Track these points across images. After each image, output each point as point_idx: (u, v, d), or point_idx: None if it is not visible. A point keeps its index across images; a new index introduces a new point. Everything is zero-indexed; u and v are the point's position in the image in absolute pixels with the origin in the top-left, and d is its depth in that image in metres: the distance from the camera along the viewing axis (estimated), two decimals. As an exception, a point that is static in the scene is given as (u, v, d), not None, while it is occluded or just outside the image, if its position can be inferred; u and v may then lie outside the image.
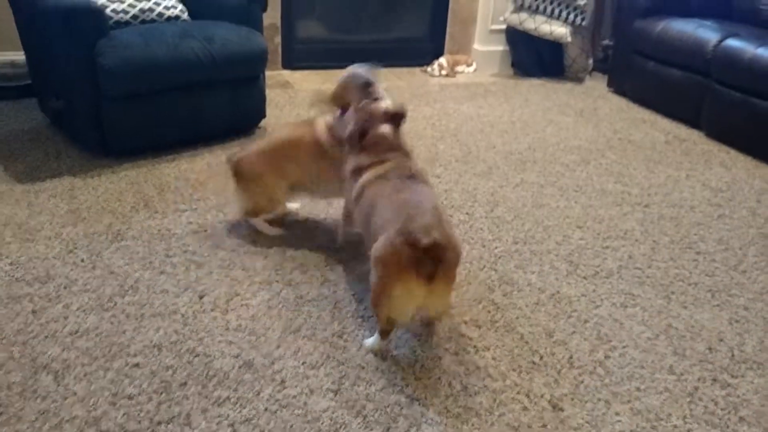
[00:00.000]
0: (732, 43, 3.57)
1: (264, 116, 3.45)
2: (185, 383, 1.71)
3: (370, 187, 1.97)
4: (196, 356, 1.81)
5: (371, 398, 1.69)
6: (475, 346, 1.92)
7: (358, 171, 2.03)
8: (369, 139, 2.05)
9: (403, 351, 1.88)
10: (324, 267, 2.26)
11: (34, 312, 1.96)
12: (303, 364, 1.80)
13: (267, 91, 3.51)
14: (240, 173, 2.39)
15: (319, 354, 1.84)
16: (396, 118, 2.10)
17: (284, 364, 1.79)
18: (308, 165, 2.36)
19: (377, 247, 1.75)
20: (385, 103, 2.14)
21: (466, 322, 2.03)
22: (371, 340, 1.87)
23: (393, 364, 1.82)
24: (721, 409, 1.74)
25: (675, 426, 1.67)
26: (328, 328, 1.95)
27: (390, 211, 1.83)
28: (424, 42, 5.06)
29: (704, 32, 3.77)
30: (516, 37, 4.84)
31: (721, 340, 2.02)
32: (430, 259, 1.66)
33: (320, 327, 1.95)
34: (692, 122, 3.88)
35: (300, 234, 2.47)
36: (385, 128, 2.06)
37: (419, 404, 1.69)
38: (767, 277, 2.37)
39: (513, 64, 5.02)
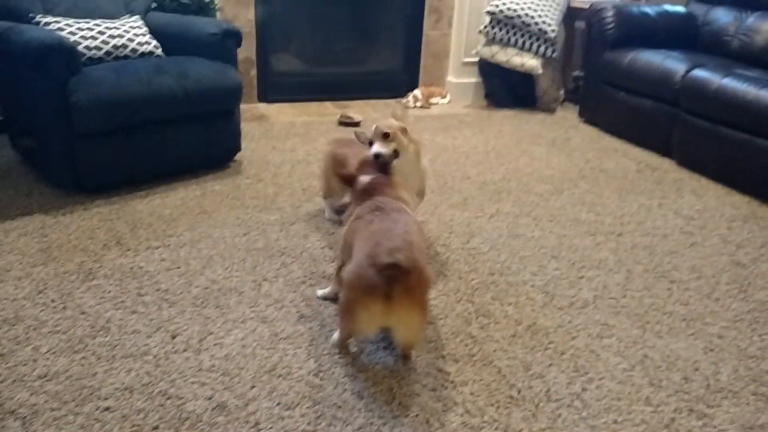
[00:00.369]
0: (699, 73, 3.67)
1: (239, 150, 3.45)
2: (157, 427, 1.67)
3: (349, 230, 2.05)
4: (168, 398, 1.77)
5: (349, 438, 1.67)
6: (452, 381, 1.91)
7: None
8: (358, 188, 2.19)
9: (380, 388, 1.85)
10: (300, 302, 2.24)
11: (1, 355, 1.91)
12: (278, 404, 1.77)
13: (242, 125, 3.52)
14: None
15: (294, 394, 1.81)
16: (377, 161, 2.28)
17: (258, 405, 1.76)
18: None
19: (346, 271, 1.87)
20: (374, 149, 2.30)
21: (443, 357, 2.02)
22: (335, 336, 2.03)
23: (371, 401, 1.80)
24: (696, 440, 1.74)
25: (653, 459, 1.67)
26: (304, 366, 1.92)
27: (362, 242, 1.90)
28: (398, 74, 5.12)
29: (672, 63, 3.86)
30: (488, 70, 4.92)
31: (697, 369, 2.03)
32: (392, 279, 1.74)
33: (296, 365, 1.93)
34: (663, 151, 3.96)
35: (277, 269, 2.45)
36: (364, 177, 2.20)
37: (397, 443, 1.67)
38: (740, 305, 2.40)
39: (486, 96, 5.09)
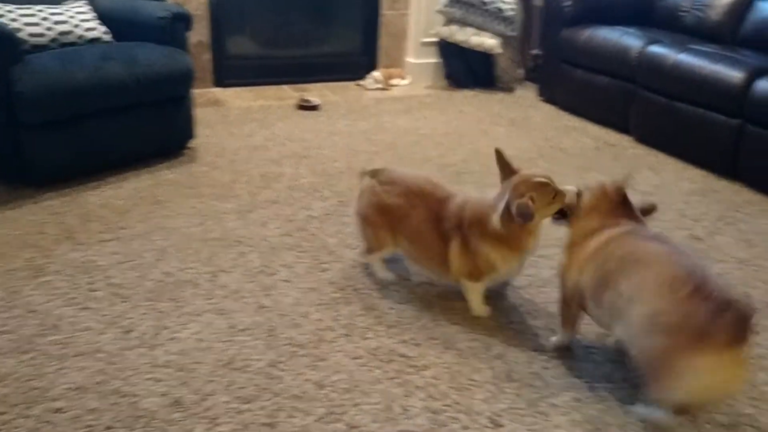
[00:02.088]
0: (655, 49, 3.69)
1: (193, 137, 3.36)
2: (110, 427, 1.62)
3: (600, 254, 1.79)
4: (122, 396, 1.72)
5: (309, 430, 1.64)
6: (414, 366, 1.90)
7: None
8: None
9: (341, 377, 1.83)
10: (258, 293, 2.20)
11: (-56, 359, 1.83)
12: (236, 398, 1.73)
13: (197, 111, 3.43)
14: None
15: (253, 386, 1.77)
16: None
17: (216, 400, 1.72)
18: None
19: (657, 313, 1.54)
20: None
21: (405, 341, 2.00)
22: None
23: (331, 390, 1.78)
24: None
25: (616, 435, 1.68)
26: (262, 358, 1.89)
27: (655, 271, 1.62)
28: (357, 56, 5.05)
29: (628, 39, 3.88)
30: (447, 50, 4.89)
31: (655, 343, 2.06)
32: (742, 322, 1.43)
33: (254, 357, 1.89)
34: (621, 128, 3.99)
35: (234, 259, 2.40)
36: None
37: None
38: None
39: (446, 76, 5.06)
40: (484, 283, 2.12)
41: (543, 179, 1.98)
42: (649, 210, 1.93)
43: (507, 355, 1.96)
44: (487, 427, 1.68)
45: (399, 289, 2.27)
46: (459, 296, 2.24)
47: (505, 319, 2.14)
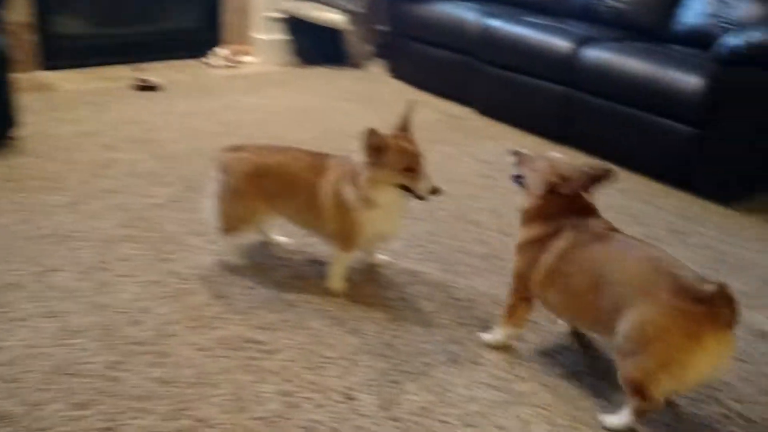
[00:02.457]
0: (491, 22, 3.84)
1: (14, 124, 3.04)
2: None
3: (566, 261, 1.74)
4: (-66, 419, 1.54)
5: (152, 430, 1.56)
6: (266, 351, 1.86)
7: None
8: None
9: (186, 371, 1.76)
10: (93, 290, 2.05)
11: None
12: (71, 405, 1.60)
13: (21, 97, 3.10)
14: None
15: (89, 391, 1.65)
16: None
17: (48, 410, 1.58)
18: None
19: (643, 319, 1.54)
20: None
21: (256, 327, 1.96)
22: (614, 420, 1.65)
23: (176, 386, 1.70)
24: (501, 370, 1.86)
25: (461, 395, 1.75)
26: (99, 360, 1.76)
27: (631, 275, 1.62)
28: (199, 32, 4.83)
29: (466, 13, 4.01)
30: (295, 25, 4.80)
31: (497, 303, 2.15)
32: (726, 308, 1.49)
33: (90, 360, 1.76)
34: (464, 101, 4.13)
35: (64, 256, 2.22)
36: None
37: (206, 425, 1.59)
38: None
39: (296, 53, 4.98)
40: (353, 255, 2.14)
41: (408, 146, 2.02)
42: (602, 176, 1.80)
43: (360, 329, 1.98)
44: (340, 402, 1.69)
45: (249, 274, 2.22)
46: (311, 275, 2.23)
47: (357, 293, 2.16)
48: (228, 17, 4.84)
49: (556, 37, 3.49)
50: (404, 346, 1.92)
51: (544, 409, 1.72)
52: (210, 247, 2.33)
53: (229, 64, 4.65)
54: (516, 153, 1.98)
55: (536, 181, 1.85)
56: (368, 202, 1.99)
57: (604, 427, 1.66)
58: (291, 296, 2.11)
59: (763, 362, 1.96)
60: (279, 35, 4.92)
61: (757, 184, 3.15)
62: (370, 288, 2.19)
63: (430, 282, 2.25)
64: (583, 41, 3.42)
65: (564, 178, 1.78)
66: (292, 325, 1.98)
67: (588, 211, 1.81)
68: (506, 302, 1.92)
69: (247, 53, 4.81)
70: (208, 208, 2.23)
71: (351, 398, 1.71)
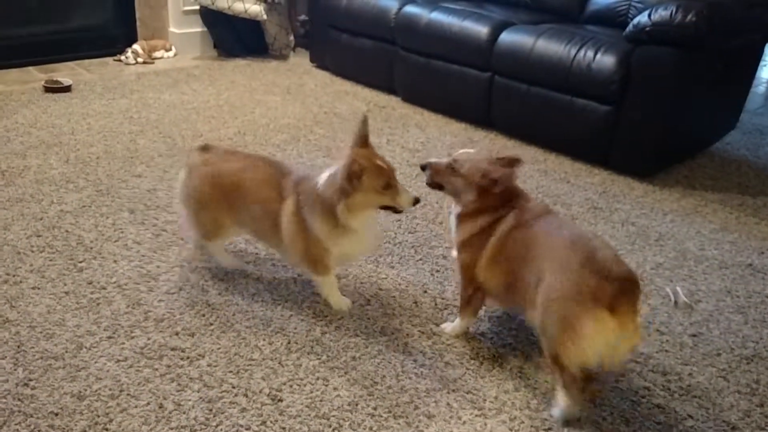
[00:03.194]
0: (409, 9, 3.83)
1: None
2: None
3: (507, 243, 1.77)
4: None
5: (67, 448, 1.49)
6: (188, 357, 1.80)
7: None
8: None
9: (105, 384, 1.68)
10: (2, 306, 1.94)
11: None
12: (-23, 430, 1.52)
13: None
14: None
15: (1, 411, 1.56)
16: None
17: (-50, 438, 1.50)
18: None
19: (549, 287, 1.59)
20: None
21: (177, 333, 1.89)
22: (556, 407, 1.67)
23: (94, 400, 1.63)
24: (429, 359, 1.86)
25: (389, 386, 1.74)
26: (10, 378, 1.67)
27: (557, 252, 1.65)
28: (112, 29, 4.63)
29: (385, 1, 3.98)
30: (212, 18, 4.67)
31: (426, 291, 2.17)
32: (625, 290, 1.53)
33: (1, 378, 1.67)
34: (389, 89, 4.12)
35: (-31, 271, 2.09)
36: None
37: (126, 439, 1.53)
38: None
39: (215, 46, 4.85)
40: (330, 274, 2.01)
41: (382, 164, 1.87)
42: (514, 164, 1.86)
43: (287, 328, 1.95)
44: (267, 404, 1.66)
45: (169, 278, 2.15)
46: (235, 276, 2.17)
47: (285, 291, 2.12)
48: (142, 12, 4.66)
49: (474, 22, 3.51)
50: (333, 342, 1.90)
51: (471, 394, 1.73)
52: (126, 252, 2.25)
53: (145, 60, 4.48)
54: (426, 167, 1.93)
55: (465, 188, 1.85)
56: (342, 230, 1.87)
57: (555, 420, 1.68)
58: (214, 299, 2.06)
59: (681, 333, 2.03)
60: (196, 28, 4.79)
61: (671, 159, 3.27)
62: (296, 285, 2.16)
63: (357, 275, 2.23)
64: (501, 26, 3.45)
65: (491, 179, 1.79)
66: (215, 328, 1.92)
67: (520, 196, 1.84)
68: (461, 295, 1.93)
69: (163, 48, 4.65)
70: (180, 212, 2.12)
71: (278, 399, 1.67)
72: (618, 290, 1.52)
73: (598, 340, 1.53)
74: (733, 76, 3.31)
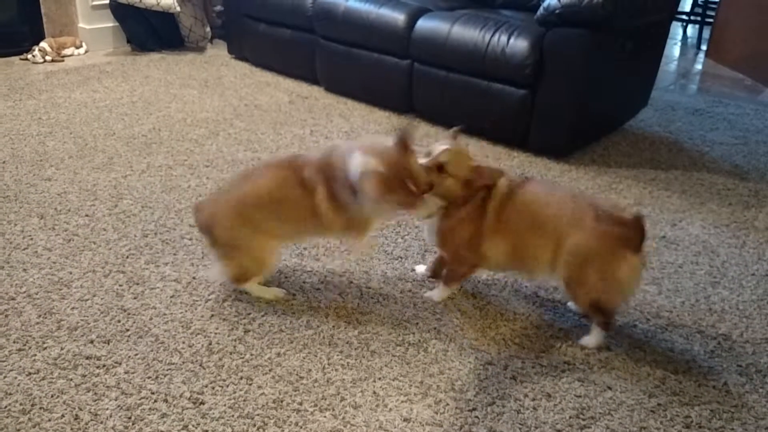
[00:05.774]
0: (326, -3, 3.78)
1: None
2: None
3: (502, 210, 1.90)
4: None
5: (-29, 472, 1.41)
6: (104, 365, 1.73)
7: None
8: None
9: (16, 398, 1.60)
10: None
11: None
12: None
13: None
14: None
15: None
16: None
17: None
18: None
19: (577, 245, 1.77)
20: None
21: (92, 341, 1.82)
22: (591, 340, 1.91)
23: (3, 417, 1.54)
24: (355, 349, 1.85)
25: (315, 380, 1.72)
26: None
27: (561, 209, 1.84)
28: (16, 27, 4.39)
29: (302, -10, 3.92)
30: (123, 12, 4.49)
31: (351, 282, 2.16)
32: (640, 230, 1.74)
33: None
34: (311, 79, 4.08)
35: None
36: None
37: (36, 456, 1.46)
38: (385, 212, 2.60)
39: (129, 41, 4.67)
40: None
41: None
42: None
43: (207, 329, 1.89)
44: (187, 408, 1.61)
45: (81, 284, 2.05)
46: (151, 279, 2.10)
47: (205, 291, 2.06)
48: (48, 8, 4.44)
49: (390, 10, 3.50)
50: (256, 340, 1.86)
51: (397, 380, 1.74)
52: (35, 260, 2.14)
53: (54, 58, 4.28)
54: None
55: (454, 185, 1.88)
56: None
57: (584, 346, 1.90)
58: (130, 304, 1.98)
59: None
60: (108, 23, 4.60)
61: (587, 138, 3.36)
62: (215, 284, 2.10)
63: (282, 269, 2.20)
64: (417, 13, 3.46)
65: (480, 173, 1.89)
66: (132, 334, 1.86)
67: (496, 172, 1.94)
68: (453, 273, 2.05)
69: (73, 45, 4.45)
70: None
71: (200, 402, 1.63)
72: (634, 233, 1.74)
73: (632, 280, 1.79)
74: (642, 55, 3.42)
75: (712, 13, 5.53)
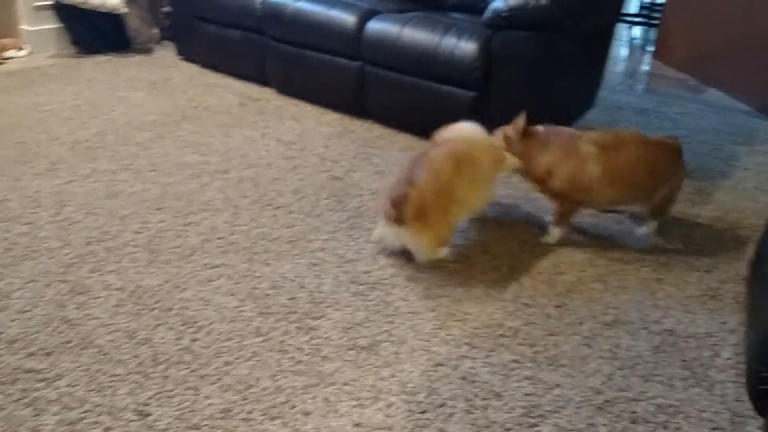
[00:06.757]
0: (274, -2, 3.74)
1: None
2: None
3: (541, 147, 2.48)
4: None
5: None
6: (45, 379, 1.68)
7: None
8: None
9: (-55, 418, 1.53)
10: None
11: None
12: None
13: None
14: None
15: None
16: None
17: None
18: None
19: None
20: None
21: (32, 354, 1.76)
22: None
23: (-68, 438, 1.48)
24: (306, 355, 1.83)
25: (265, 388, 1.70)
26: None
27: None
28: (-49, 27, 4.23)
29: (250, -9, 3.87)
30: (67, 13, 4.35)
31: (302, 286, 2.14)
32: None
33: None
34: (261, 81, 4.02)
35: None
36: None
37: (-31, 477, 1.40)
38: (338, 216, 2.59)
39: (74, 43, 4.54)
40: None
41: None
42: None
43: (153, 338, 1.85)
44: (132, 421, 1.57)
45: (22, 295, 1.98)
46: (94, 287, 2.04)
47: (150, 300, 2.02)
48: (-15, 7, 4.28)
49: (340, 11, 3.48)
50: (204, 349, 1.82)
51: (349, 385, 1.73)
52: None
53: (-7, 60, 4.13)
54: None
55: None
56: None
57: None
58: (72, 314, 1.92)
59: (546, 304, 2.12)
60: (51, 25, 4.45)
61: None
62: (164, 292, 2.06)
63: (231, 275, 2.17)
64: (367, 14, 3.44)
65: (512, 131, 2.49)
66: (74, 346, 1.80)
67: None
68: (560, 211, 2.47)
69: (14, 47, 4.30)
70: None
71: (145, 414, 1.59)
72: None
73: None
74: (589, 56, 3.49)
75: (659, 15, 5.68)
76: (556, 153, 2.39)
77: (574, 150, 2.37)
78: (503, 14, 2.86)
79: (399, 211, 2.17)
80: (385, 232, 2.25)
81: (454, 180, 2.23)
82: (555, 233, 2.50)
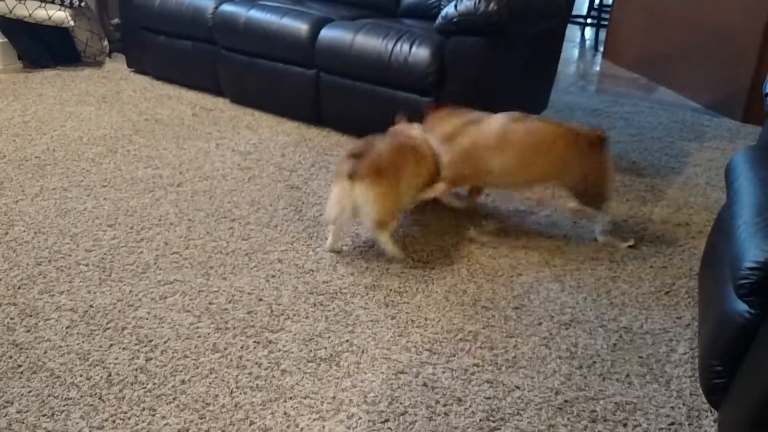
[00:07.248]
0: (226, 8, 3.69)
1: None
2: None
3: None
4: None
5: None
6: (-8, 407, 1.62)
7: None
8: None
9: None
10: None
11: None
12: None
13: None
14: None
15: None
16: None
17: None
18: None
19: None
20: None
21: (-22, 382, 1.69)
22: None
23: None
24: (265, 369, 1.81)
25: (223, 405, 1.67)
26: None
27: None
28: None
29: (201, 0, 3.83)
30: (13, 27, 4.24)
31: (261, 299, 2.11)
32: None
33: None
34: (215, 91, 3.98)
35: None
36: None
37: None
38: (296, 225, 2.57)
39: (20, 57, 4.42)
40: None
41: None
42: None
43: (106, 359, 1.80)
44: (85, 446, 1.53)
45: (-33, 321, 1.92)
46: (46, 309, 1.98)
47: (103, 319, 1.96)
48: (-77, 22, 4.13)
49: (293, 19, 3.47)
50: (159, 368, 1.78)
51: (309, 398, 1.71)
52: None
53: (-66, 76, 3.99)
54: None
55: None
56: None
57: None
58: (22, 337, 1.86)
59: (505, 306, 2.14)
60: (-4, 38, 4.33)
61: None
62: (116, 311, 2.01)
63: (186, 291, 2.12)
64: (320, 22, 3.44)
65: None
66: (25, 370, 1.74)
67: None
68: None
69: (-44, 62, 4.17)
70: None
71: (98, 438, 1.55)
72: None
73: None
74: (540, 58, 3.54)
75: (608, 16, 5.80)
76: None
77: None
78: (454, 20, 2.88)
79: (355, 165, 2.25)
80: (337, 192, 2.27)
81: (408, 162, 2.42)
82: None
